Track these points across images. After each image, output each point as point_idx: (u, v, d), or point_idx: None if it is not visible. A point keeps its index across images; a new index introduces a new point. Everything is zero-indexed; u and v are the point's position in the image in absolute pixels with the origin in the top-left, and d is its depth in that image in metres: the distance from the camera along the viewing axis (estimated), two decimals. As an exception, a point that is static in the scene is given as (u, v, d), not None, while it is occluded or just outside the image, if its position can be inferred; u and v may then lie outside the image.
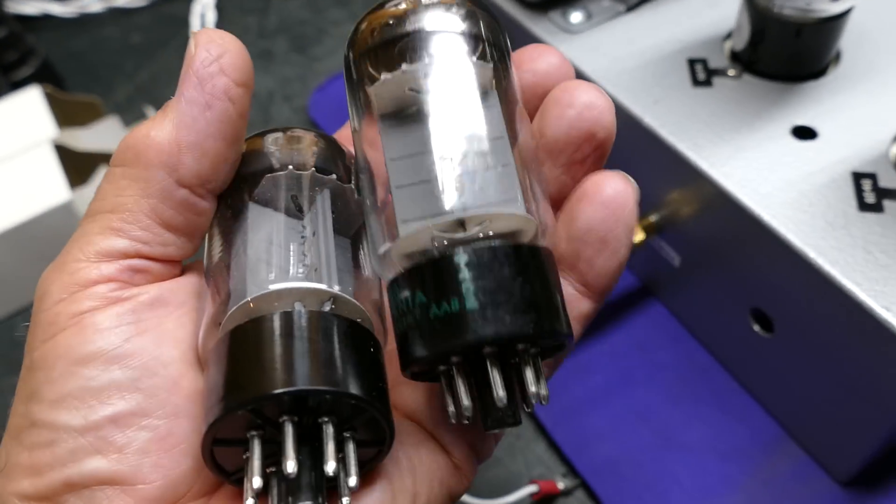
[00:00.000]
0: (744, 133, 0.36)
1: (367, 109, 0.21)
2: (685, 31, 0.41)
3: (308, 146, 0.23)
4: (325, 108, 0.60)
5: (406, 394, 0.23)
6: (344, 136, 0.26)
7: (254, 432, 0.19)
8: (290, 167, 0.22)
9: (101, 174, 0.50)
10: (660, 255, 0.43)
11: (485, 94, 0.21)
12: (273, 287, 0.20)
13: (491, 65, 0.21)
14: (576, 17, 0.43)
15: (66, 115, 0.54)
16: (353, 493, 0.20)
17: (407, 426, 0.22)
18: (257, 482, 0.18)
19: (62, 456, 0.19)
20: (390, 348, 0.21)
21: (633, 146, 0.39)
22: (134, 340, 0.20)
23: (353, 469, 0.19)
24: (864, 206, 0.33)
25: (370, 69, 0.21)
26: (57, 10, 0.71)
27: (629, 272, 0.47)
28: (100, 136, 0.54)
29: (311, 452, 0.19)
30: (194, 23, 0.68)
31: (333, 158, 0.23)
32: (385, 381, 0.20)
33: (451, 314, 0.18)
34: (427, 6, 0.21)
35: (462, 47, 0.21)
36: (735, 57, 0.40)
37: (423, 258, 0.19)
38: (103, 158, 0.51)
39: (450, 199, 0.19)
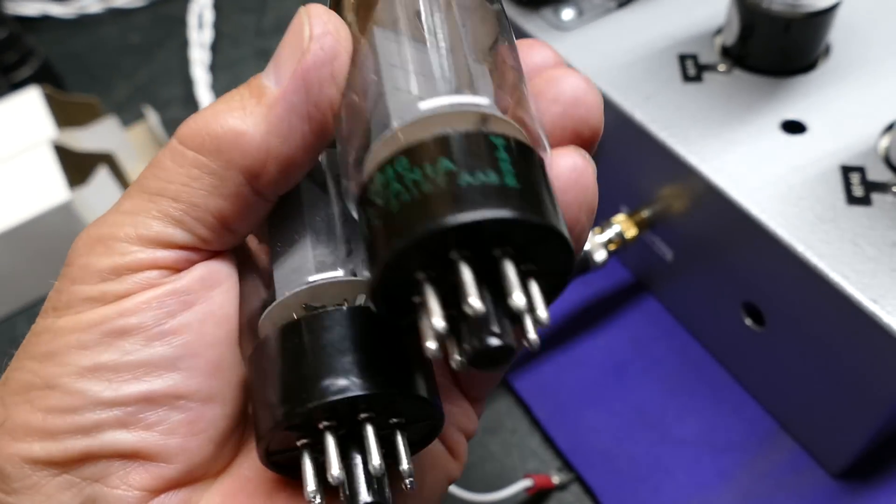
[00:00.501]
0: (734, 128, 0.37)
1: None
2: (676, 27, 0.42)
3: None
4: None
5: None
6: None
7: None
8: None
9: (100, 174, 0.50)
10: (652, 250, 0.43)
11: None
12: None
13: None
14: (567, 13, 0.43)
15: (66, 115, 0.55)
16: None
17: None
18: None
19: (85, 425, 0.18)
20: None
21: (624, 142, 0.39)
22: (179, 317, 0.19)
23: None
24: (852, 199, 0.33)
25: None
26: (56, 10, 0.71)
27: (622, 267, 0.47)
28: (99, 136, 0.54)
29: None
30: (192, 22, 0.68)
31: None
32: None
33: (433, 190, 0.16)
34: None
35: None
36: (725, 52, 0.40)
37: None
38: (102, 158, 0.51)
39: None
